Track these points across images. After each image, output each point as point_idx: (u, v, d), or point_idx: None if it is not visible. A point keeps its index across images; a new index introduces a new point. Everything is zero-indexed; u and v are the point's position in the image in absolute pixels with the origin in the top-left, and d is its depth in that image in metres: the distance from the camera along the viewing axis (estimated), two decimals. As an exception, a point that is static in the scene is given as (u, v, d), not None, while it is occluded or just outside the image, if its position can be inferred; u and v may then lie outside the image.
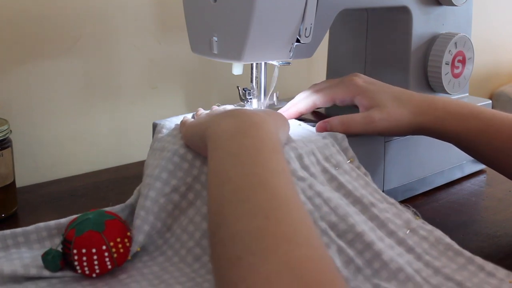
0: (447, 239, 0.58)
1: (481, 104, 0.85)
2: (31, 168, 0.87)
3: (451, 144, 0.68)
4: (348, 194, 0.60)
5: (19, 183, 0.77)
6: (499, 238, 0.67)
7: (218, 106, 0.75)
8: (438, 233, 0.58)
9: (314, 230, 0.42)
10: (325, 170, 0.62)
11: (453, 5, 0.80)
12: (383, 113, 0.66)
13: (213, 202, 0.46)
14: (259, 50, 0.64)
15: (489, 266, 0.54)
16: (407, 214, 0.60)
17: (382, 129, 0.67)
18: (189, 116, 0.70)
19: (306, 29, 0.66)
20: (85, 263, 0.53)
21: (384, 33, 0.81)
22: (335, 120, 0.67)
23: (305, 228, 0.41)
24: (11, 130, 0.72)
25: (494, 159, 0.66)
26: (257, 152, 0.49)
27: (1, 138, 0.70)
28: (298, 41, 0.67)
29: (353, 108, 0.71)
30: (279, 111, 0.71)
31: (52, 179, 0.85)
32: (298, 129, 0.69)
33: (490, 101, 0.88)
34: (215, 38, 0.65)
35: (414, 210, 0.61)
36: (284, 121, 0.63)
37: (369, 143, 0.70)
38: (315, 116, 0.76)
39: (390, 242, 0.56)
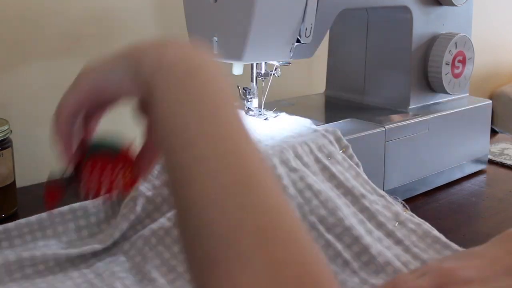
0: (435, 232, 0.59)
1: (481, 104, 0.85)
2: (31, 168, 0.86)
3: (451, 144, 0.68)
4: (339, 185, 0.61)
5: (19, 183, 0.77)
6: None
7: None
8: (426, 226, 0.59)
9: (295, 220, 0.34)
10: (317, 160, 0.63)
11: (453, 5, 0.80)
12: None
13: (174, 170, 0.36)
14: (259, 50, 0.64)
15: None
16: (396, 206, 0.61)
17: None
18: None
19: (306, 29, 0.66)
20: (93, 183, 0.48)
21: (384, 33, 0.81)
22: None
23: (284, 220, 0.34)
24: (11, 130, 0.72)
25: None
26: (219, 106, 0.37)
27: (1, 138, 0.70)
28: (298, 41, 0.67)
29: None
30: None
31: (52, 179, 0.85)
32: (291, 123, 0.70)
33: (490, 101, 0.87)
34: (215, 38, 0.65)
35: (403, 202, 0.61)
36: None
37: (369, 143, 0.70)
38: None
39: (379, 235, 0.57)
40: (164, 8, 0.95)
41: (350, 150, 0.65)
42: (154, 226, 0.58)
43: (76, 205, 0.63)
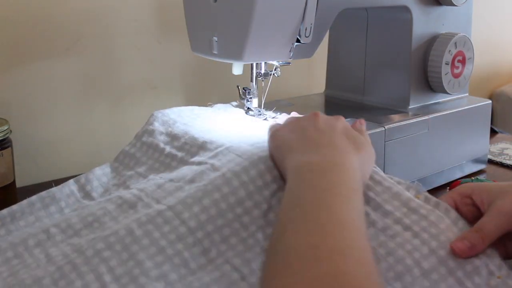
0: (451, 213, 0.56)
1: (481, 104, 0.86)
2: (31, 168, 0.87)
3: (451, 144, 0.68)
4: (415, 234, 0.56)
5: (19, 183, 0.77)
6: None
7: (210, 105, 0.76)
8: (442, 208, 0.57)
9: (367, 245, 0.42)
10: None
11: (453, 5, 0.80)
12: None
13: (279, 222, 0.47)
14: (259, 50, 0.64)
15: None
16: (410, 193, 0.58)
17: None
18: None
19: (306, 29, 0.66)
20: None
21: (384, 33, 0.81)
22: (471, 236, 0.53)
23: (356, 245, 0.42)
24: (11, 130, 0.72)
25: None
26: (334, 187, 0.48)
27: (1, 138, 0.70)
28: (298, 41, 0.67)
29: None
30: None
31: (52, 179, 0.85)
32: None
33: (490, 101, 0.88)
34: (215, 38, 0.65)
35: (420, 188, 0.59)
36: (371, 156, 0.59)
37: (369, 143, 0.70)
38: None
39: (386, 223, 0.55)
40: (164, 8, 0.95)
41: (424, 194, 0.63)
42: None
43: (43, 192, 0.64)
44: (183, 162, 0.64)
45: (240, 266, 0.52)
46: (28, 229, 0.59)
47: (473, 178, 0.70)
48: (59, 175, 0.86)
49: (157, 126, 0.70)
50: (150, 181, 0.62)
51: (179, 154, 0.65)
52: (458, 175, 0.84)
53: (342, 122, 0.58)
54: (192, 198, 0.56)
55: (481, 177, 0.73)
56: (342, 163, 0.52)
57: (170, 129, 0.69)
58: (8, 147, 0.71)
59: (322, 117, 0.58)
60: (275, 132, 0.59)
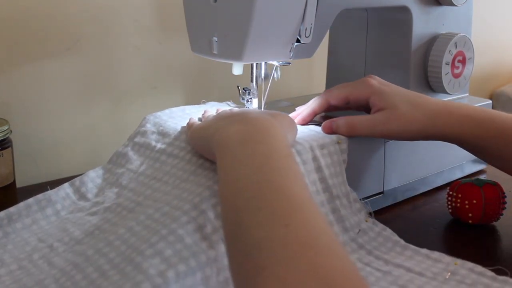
0: (395, 237, 0.62)
1: (481, 104, 0.86)
2: (31, 168, 0.87)
3: (451, 144, 0.68)
4: (322, 180, 0.62)
5: (19, 183, 0.77)
6: (500, 238, 0.67)
7: (204, 102, 0.77)
8: (388, 232, 0.63)
9: (333, 235, 0.42)
10: (312, 148, 0.63)
11: (453, 5, 0.80)
12: (394, 115, 0.65)
13: (227, 212, 0.46)
14: (259, 50, 0.64)
15: (435, 254, 0.59)
16: (361, 215, 0.64)
17: (391, 132, 0.66)
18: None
19: (306, 29, 0.66)
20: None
21: (384, 33, 0.81)
22: (341, 120, 0.66)
23: (324, 234, 0.41)
24: (11, 130, 0.72)
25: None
26: (269, 159, 0.48)
27: (1, 138, 0.70)
28: (298, 41, 0.67)
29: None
30: (291, 114, 0.71)
31: (52, 179, 0.85)
32: (303, 130, 0.69)
33: (490, 101, 0.88)
34: (215, 38, 0.65)
35: (371, 211, 0.64)
36: (291, 123, 0.62)
37: (369, 143, 0.70)
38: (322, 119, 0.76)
39: (344, 239, 0.60)
40: (164, 8, 0.95)
41: (345, 145, 0.65)
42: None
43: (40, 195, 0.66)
44: (172, 156, 0.65)
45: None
46: (27, 237, 0.61)
47: (473, 178, 0.70)
48: (59, 175, 0.86)
49: (149, 127, 0.72)
50: (143, 182, 0.64)
51: (169, 149, 0.66)
52: (458, 175, 0.84)
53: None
54: (188, 192, 0.58)
55: (481, 177, 0.73)
56: (266, 127, 0.52)
57: (161, 128, 0.71)
58: (8, 147, 0.71)
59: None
60: (193, 125, 0.64)
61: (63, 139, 0.89)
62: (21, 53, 0.84)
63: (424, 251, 0.60)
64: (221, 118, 0.59)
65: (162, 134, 0.69)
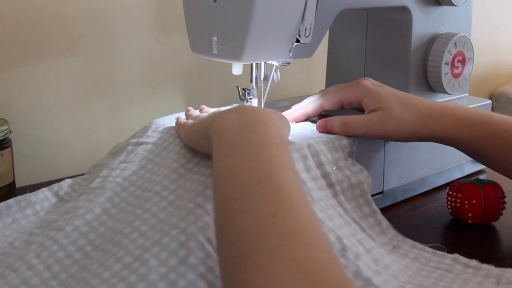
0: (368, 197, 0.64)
1: (480, 104, 0.86)
2: (31, 168, 0.87)
3: (450, 144, 0.68)
4: (335, 194, 0.63)
5: (19, 183, 0.77)
6: (499, 239, 0.67)
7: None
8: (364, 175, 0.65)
9: (320, 228, 0.42)
10: (320, 164, 0.63)
11: (453, 5, 0.80)
12: (387, 116, 0.65)
13: (219, 198, 0.46)
14: (259, 50, 0.64)
15: (384, 223, 0.63)
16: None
17: (384, 132, 0.66)
18: (182, 117, 0.71)
19: (306, 29, 0.66)
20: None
21: (384, 33, 0.81)
22: (335, 119, 0.67)
23: (310, 226, 0.41)
24: (11, 130, 0.72)
25: (506, 165, 0.65)
26: (263, 148, 0.48)
27: (1, 138, 0.70)
28: (298, 41, 0.67)
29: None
30: (285, 112, 0.71)
31: (52, 179, 0.85)
32: (297, 128, 0.69)
33: (490, 101, 0.88)
34: (215, 38, 0.65)
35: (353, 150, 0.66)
36: (285, 121, 0.62)
37: (369, 143, 0.70)
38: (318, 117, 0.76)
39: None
40: (164, 8, 0.95)
41: (352, 159, 0.65)
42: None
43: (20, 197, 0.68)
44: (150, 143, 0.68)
45: (202, 203, 0.55)
46: (9, 233, 0.62)
47: (472, 178, 0.70)
48: (59, 175, 0.86)
49: (150, 133, 0.72)
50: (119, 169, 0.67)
51: (153, 139, 0.69)
52: (458, 175, 0.84)
53: None
54: (156, 174, 0.62)
55: (481, 177, 0.73)
56: (263, 119, 0.53)
57: (159, 129, 0.71)
58: (8, 147, 0.71)
59: None
60: (186, 124, 0.65)
61: (62, 139, 0.89)
62: (21, 53, 0.84)
63: (379, 216, 0.64)
64: (219, 111, 0.59)
65: (157, 131, 0.71)
